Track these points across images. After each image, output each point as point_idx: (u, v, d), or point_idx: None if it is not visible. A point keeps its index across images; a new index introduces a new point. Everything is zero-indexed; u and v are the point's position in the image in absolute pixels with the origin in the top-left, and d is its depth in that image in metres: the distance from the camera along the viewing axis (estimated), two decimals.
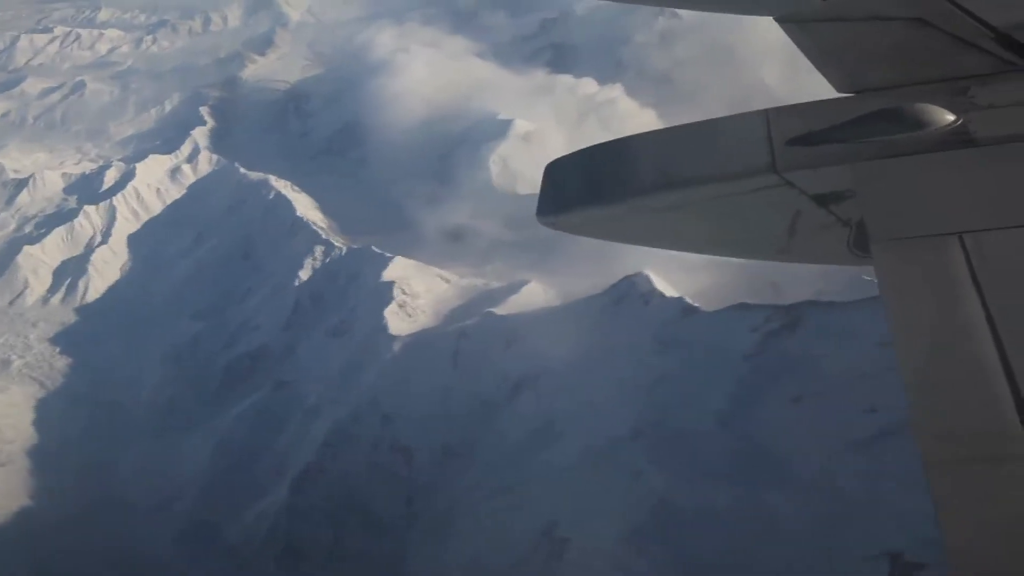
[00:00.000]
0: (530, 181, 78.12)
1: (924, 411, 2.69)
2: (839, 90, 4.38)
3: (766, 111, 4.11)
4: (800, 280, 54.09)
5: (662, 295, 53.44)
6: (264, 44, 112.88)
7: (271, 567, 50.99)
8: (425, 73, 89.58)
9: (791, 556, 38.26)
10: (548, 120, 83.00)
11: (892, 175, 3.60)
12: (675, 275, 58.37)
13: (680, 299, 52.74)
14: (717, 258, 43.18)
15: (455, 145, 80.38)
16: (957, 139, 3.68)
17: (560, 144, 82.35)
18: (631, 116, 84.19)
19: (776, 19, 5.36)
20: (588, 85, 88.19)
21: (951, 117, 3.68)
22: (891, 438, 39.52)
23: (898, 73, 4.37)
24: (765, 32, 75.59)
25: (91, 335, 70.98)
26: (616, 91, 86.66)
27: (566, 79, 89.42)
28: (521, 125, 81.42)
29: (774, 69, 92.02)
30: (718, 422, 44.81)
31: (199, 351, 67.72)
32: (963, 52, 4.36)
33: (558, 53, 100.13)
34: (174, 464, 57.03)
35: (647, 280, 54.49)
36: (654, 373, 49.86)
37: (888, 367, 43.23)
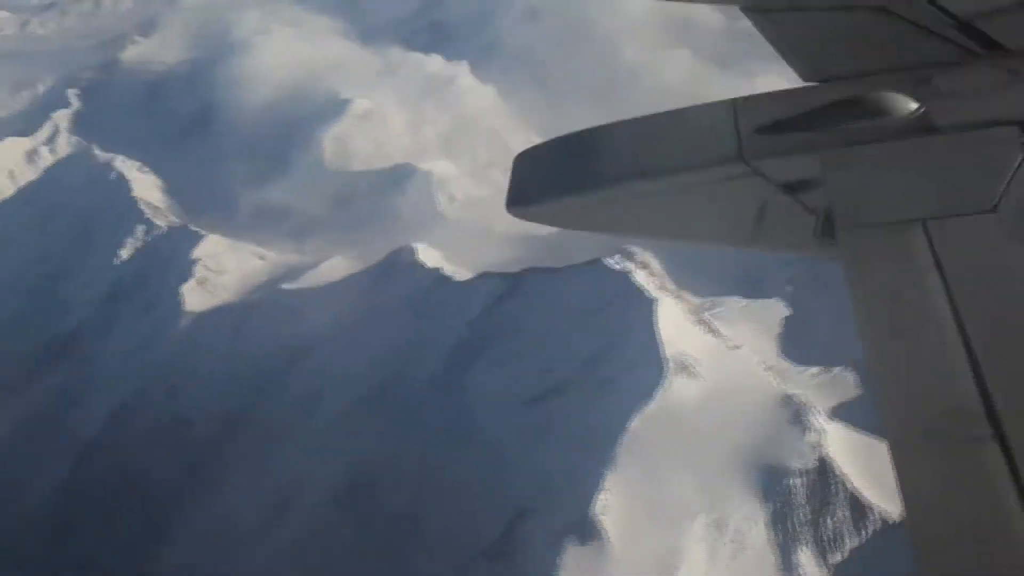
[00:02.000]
0: (363, 158, 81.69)
1: (889, 393, 2.74)
2: (805, 79, 4.43)
3: (734, 100, 4.16)
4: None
5: (423, 266, 56.53)
6: (150, 26, 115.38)
7: (41, 546, 53.49)
8: (279, 54, 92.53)
9: (449, 512, 41.97)
10: (389, 99, 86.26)
11: (857, 163, 3.65)
12: (451, 246, 62.17)
13: (437, 270, 55.85)
14: (496, 229, 46.75)
15: (294, 125, 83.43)
16: (921, 126, 3.72)
17: (397, 123, 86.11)
18: (470, 92, 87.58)
19: (741, 8, 5.35)
20: (435, 63, 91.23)
21: (914, 105, 3.74)
22: (557, 397, 43.41)
23: (862, 62, 4.39)
24: (628, 12, 79.28)
25: None
26: (461, 68, 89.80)
27: (416, 57, 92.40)
28: (360, 104, 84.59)
29: (630, 48, 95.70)
30: (430, 385, 48.17)
31: (23, 326, 70.72)
32: (926, 41, 4.39)
33: (434, 33, 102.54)
34: None
35: (411, 252, 57.68)
36: (400, 338, 53.17)
37: (575, 329, 47.13)
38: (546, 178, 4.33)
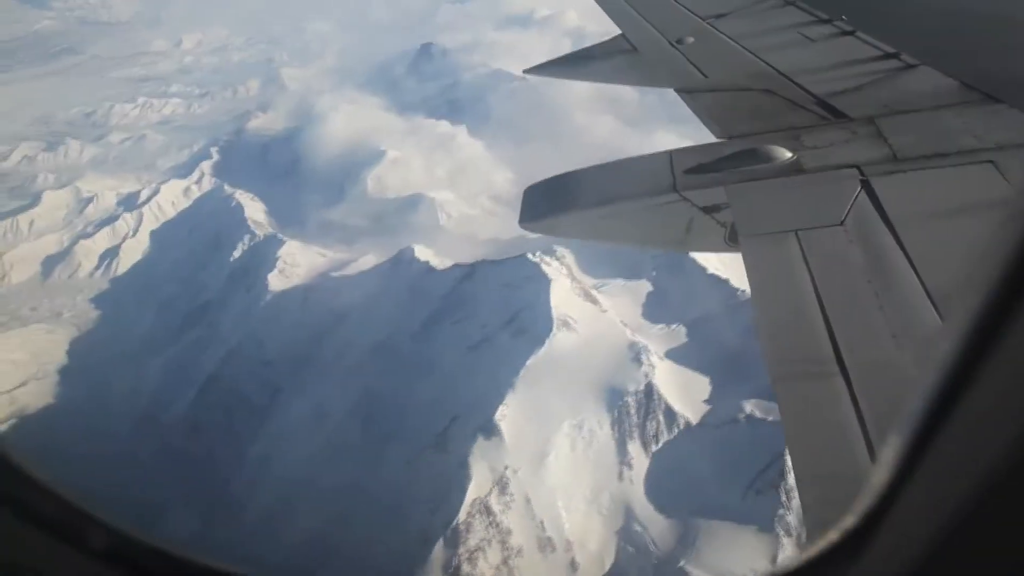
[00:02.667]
0: (393, 190, 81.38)
1: (770, 344, 2.66)
2: (717, 137, 4.25)
3: (670, 151, 4.05)
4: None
5: (417, 260, 56.27)
6: (267, 105, 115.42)
7: (179, 440, 54.03)
8: (342, 122, 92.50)
9: (416, 419, 41.71)
10: (412, 150, 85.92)
11: (752, 193, 3.56)
12: (442, 247, 61.80)
13: (427, 263, 55.54)
14: (476, 236, 46.13)
15: (350, 168, 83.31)
16: (793, 168, 3.66)
17: (416, 166, 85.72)
18: (466, 146, 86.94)
19: (675, 90, 5.10)
20: (443, 126, 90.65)
21: (789, 154, 3.70)
22: (487, 344, 42.95)
23: (755, 125, 4.27)
24: (580, 93, 77.68)
25: (116, 296, 74.81)
26: (460, 131, 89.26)
27: (431, 122, 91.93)
28: (392, 154, 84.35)
29: (575, 114, 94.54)
30: (413, 337, 47.85)
31: (175, 303, 71.34)
32: (796, 111, 4.31)
33: (448, 106, 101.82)
34: (131, 381, 60.84)
35: (411, 251, 57.42)
36: (399, 307, 52.93)
37: (502, 299, 46.67)
38: (545, 203, 4.25)
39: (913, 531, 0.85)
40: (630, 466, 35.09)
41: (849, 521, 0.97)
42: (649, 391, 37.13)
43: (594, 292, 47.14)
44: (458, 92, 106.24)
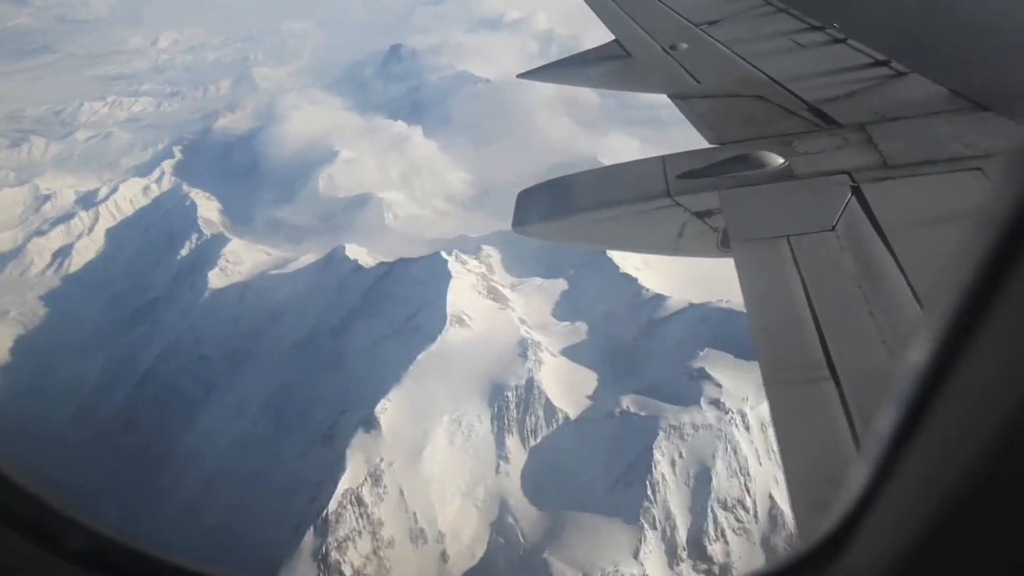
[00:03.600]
0: (343, 189, 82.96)
1: (762, 349, 2.67)
2: (710, 142, 4.26)
3: (663, 157, 4.04)
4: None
5: (347, 258, 57.75)
6: (236, 105, 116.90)
7: (116, 432, 55.57)
8: (302, 122, 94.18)
9: (314, 410, 43.11)
10: (366, 151, 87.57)
11: (744, 198, 3.56)
12: (379, 246, 63.30)
13: (355, 260, 57.05)
14: (421, 235, 47.80)
15: (304, 168, 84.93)
16: (785, 174, 3.66)
17: (369, 167, 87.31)
18: (419, 148, 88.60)
19: (668, 96, 5.09)
20: (399, 127, 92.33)
21: (781, 160, 3.71)
22: (389, 340, 44.40)
23: (747, 131, 4.27)
24: (541, 96, 79.37)
25: (66, 293, 76.33)
26: (415, 132, 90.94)
27: (389, 123, 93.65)
28: (345, 154, 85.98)
29: (533, 116, 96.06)
30: (331, 332, 49.30)
31: (124, 300, 72.81)
32: (788, 118, 4.32)
33: (412, 108, 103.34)
34: (72, 376, 62.37)
35: (342, 250, 58.91)
36: (325, 303, 54.41)
37: (410, 295, 48.16)
38: (538, 208, 4.21)
39: (891, 533, 0.87)
40: (507, 460, 36.51)
41: (829, 523, 0.99)
42: (530, 387, 38.54)
43: (504, 290, 48.62)
44: (422, 93, 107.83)
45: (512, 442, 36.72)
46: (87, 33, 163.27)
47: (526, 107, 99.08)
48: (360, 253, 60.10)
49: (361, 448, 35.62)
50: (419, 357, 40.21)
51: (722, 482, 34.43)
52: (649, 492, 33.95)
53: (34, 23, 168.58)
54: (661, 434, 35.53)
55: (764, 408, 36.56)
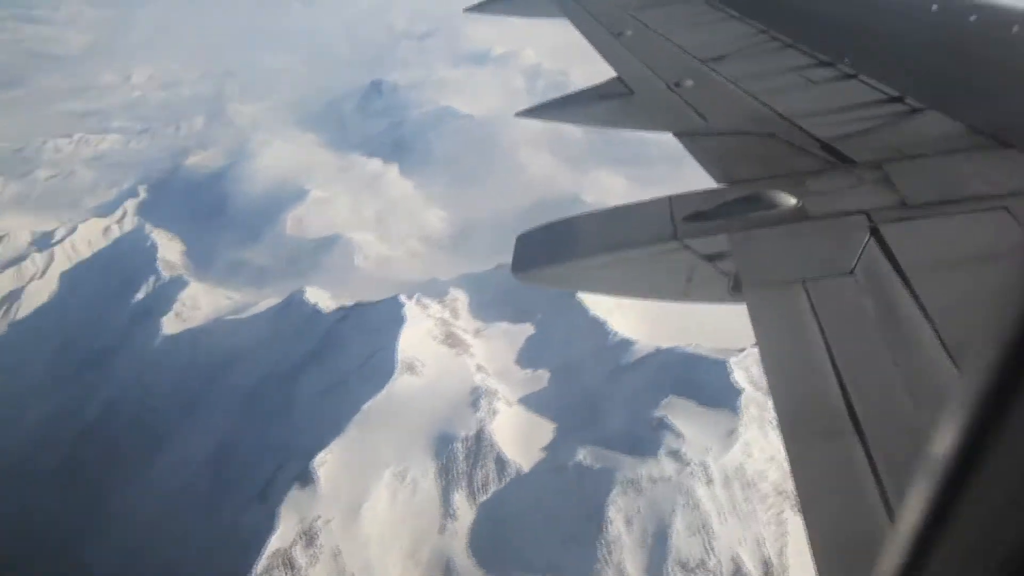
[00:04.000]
0: (312, 231, 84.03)
1: (781, 400, 2.68)
2: (718, 182, 4.33)
3: (670, 197, 4.08)
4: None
5: (306, 302, 58.25)
6: (208, 142, 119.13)
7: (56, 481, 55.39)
8: (273, 160, 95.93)
9: (252, 464, 43.06)
10: (339, 190, 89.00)
11: (756, 240, 3.60)
12: (343, 288, 63.85)
13: (314, 305, 57.55)
14: (390, 277, 48.54)
15: (271, 208, 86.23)
16: (798, 215, 3.69)
17: (341, 206, 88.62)
18: (394, 185, 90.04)
19: (674, 134, 5.18)
20: (375, 165, 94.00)
21: (793, 200, 3.74)
22: (337, 387, 44.56)
23: (758, 170, 4.32)
24: (524, 132, 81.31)
25: (11, 341, 76.68)
26: (392, 170, 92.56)
27: (363, 161, 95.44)
28: (316, 193, 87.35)
29: (520, 155, 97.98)
30: (281, 378, 49.45)
31: (73, 347, 73.06)
32: (800, 155, 4.38)
33: (390, 145, 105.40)
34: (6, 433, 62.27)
35: (302, 293, 59.48)
36: (281, 349, 54.71)
37: (366, 341, 48.44)
38: (538, 252, 4.26)
39: None
40: (454, 517, 36.24)
41: None
42: (481, 438, 38.51)
43: (466, 335, 48.93)
44: (402, 130, 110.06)
45: (459, 498, 36.52)
46: (59, 68, 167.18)
47: (509, 144, 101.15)
48: (321, 297, 60.69)
49: (295, 505, 35.45)
50: (364, 407, 40.28)
51: (682, 541, 34.07)
52: (603, 552, 33.60)
53: (3, 58, 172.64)
54: (616, 488, 35.33)
55: (728, 459, 36.54)
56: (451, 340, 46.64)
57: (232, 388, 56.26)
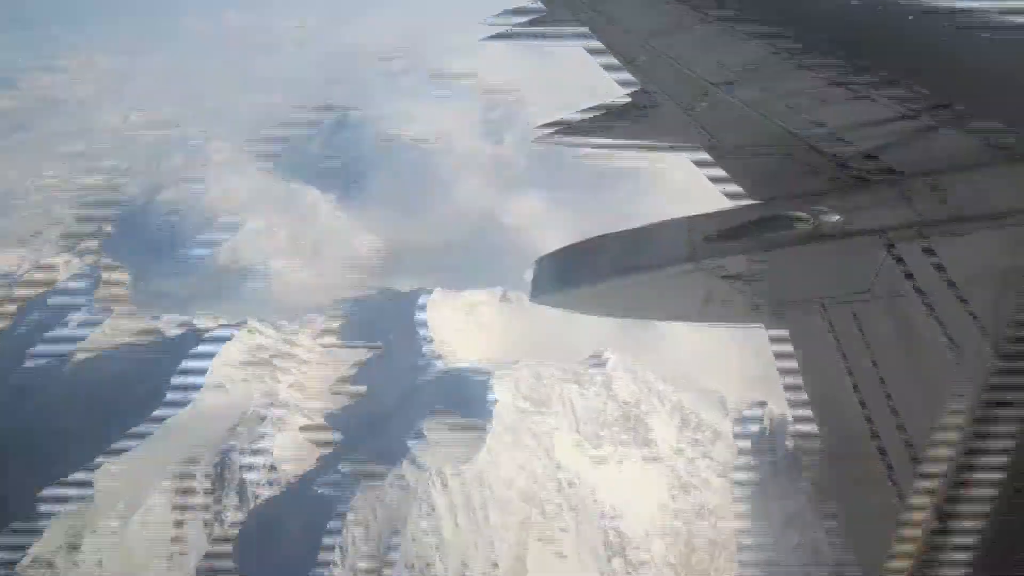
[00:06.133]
0: (243, 259, 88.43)
1: (809, 427, 2.68)
2: (736, 202, 4.24)
3: (688, 217, 4.00)
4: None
5: (188, 332, 61.66)
6: (183, 179, 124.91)
7: None
8: (224, 192, 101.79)
9: None
10: (276, 219, 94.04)
11: (777, 261, 3.55)
12: (237, 315, 67.26)
13: (184, 332, 60.83)
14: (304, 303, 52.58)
15: (204, 238, 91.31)
16: (820, 235, 3.58)
17: (275, 235, 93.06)
18: (329, 215, 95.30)
19: (687, 155, 5.09)
20: (314, 194, 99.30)
21: (812, 219, 3.61)
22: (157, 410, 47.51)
23: (776, 190, 4.22)
24: (452, 154, 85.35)
25: None
26: (329, 198, 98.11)
27: (304, 189, 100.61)
28: (252, 224, 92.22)
29: (465, 184, 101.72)
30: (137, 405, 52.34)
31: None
32: (818, 175, 4.24)
33: (337, 174, 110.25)
34: None
35: (189, 319, 62.98)
36: (156, 375, 57.66)
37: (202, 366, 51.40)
38: (556, 275, 4.29)
39: None
40: (222, 523, 38.93)
41: None
42: (259, 452, 41.17)
43: (307, 355, 51.90)
44: (352, 159, 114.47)
45: (194, 530, 38.97)
46: (65, 113, 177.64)
47: (449, 172, 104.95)
48: (205, 321, 63.76)
49: (66, 513, 38.31)
50: (154, 424, 43.30)
51: (412, 545, 36.00)
52: (337, 557, 35.75)
53: (15, 104, 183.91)
54: (359, 496, 37.53)
55: (469, 467, 38.44)
56: (277, 361, 49.55)
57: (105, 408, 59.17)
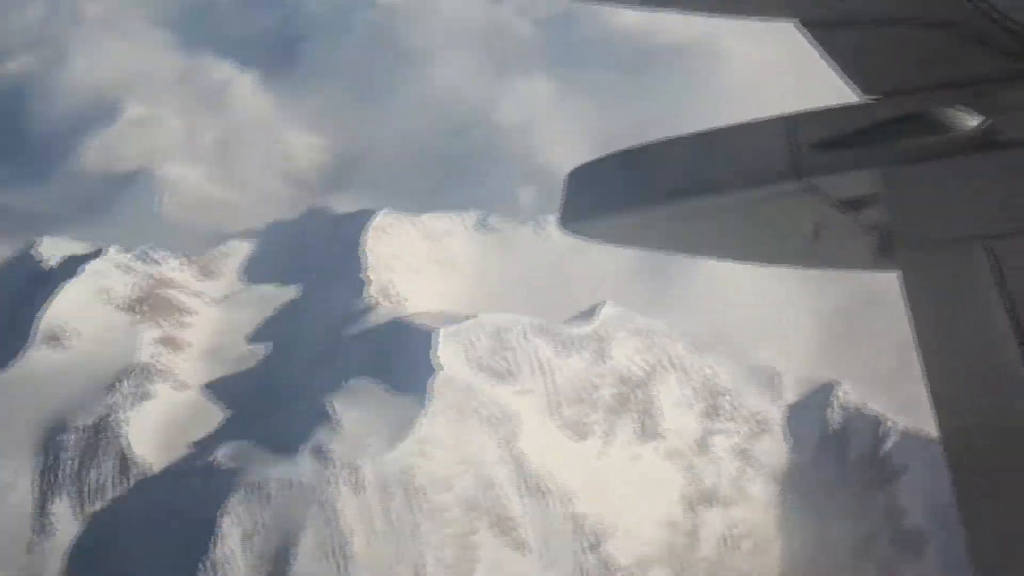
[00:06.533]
0: (122, 162, 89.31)
1: (947, 412, 2.75)
2: (862, 94, 4.12)
3: (789, 116, 3.94)
4: None
5: (36, 257, 62.84)
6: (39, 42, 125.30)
7: None
8: (93, 65, 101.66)
9: None
10: (168, 106, 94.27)
11: (918, 180, 3.45)
12: (105, 237, 68.47)
13: (43, 261, 62.05)
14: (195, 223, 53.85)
15: (73, 132, 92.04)
16: (984, 142, 3.51)
17: (165, 128, 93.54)
18: (247, 102, 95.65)
19: (797, 24, 4.88)
20: (227, 71, 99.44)
21: (977, 120, 3.54)
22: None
23: (923, 76, 4.05)
24: (447, 25, 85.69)
25: None
26: (249, 78, 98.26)
27: (218, 65, 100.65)
28: (134, 111, 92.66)
29: (441, 59, 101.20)
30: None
31: None
32: (989, 55, 4.05)
33: (269, 45, 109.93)
34: None
35: (33, 243, 64.11)
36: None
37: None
38: (598, 196, 4.26)
39: None
40: (51, 530, 40.39)
41: None
42: (105, 431, 42.40)
43: (194, 300, 53.11)
44: (284, 21, 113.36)
45: (61, 506, 40.46)
46: None
47: (424, 40, 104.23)
48: (59, 249, 64.78)
49: None
50: None
51: (308, 565, 37.24)
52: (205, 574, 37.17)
53: None
54: (238, 495, 38.70)
55: (391, 460, 39.49)
56: (145, 308, 50.55)
57: None
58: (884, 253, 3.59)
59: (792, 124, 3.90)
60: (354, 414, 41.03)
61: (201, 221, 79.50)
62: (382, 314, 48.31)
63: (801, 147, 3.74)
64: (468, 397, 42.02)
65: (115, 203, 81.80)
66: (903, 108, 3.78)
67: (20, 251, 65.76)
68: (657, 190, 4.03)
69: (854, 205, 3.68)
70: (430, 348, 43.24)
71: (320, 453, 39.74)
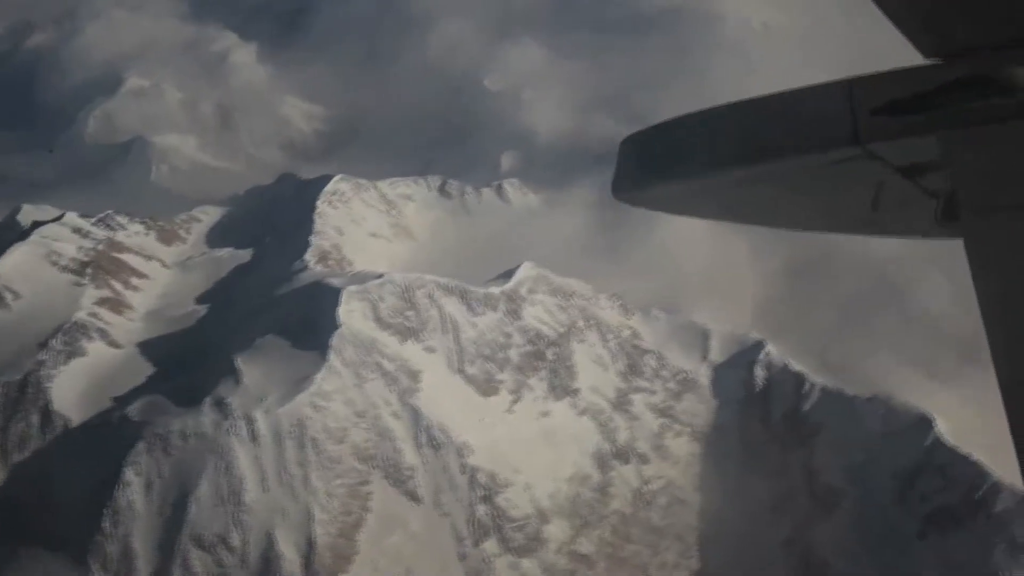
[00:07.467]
0: (121, 131, 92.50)
1: (1012, 380, 2.73)
2: (926, 55, 3.75)
3: (849, 80, 3.68)
4: None
5: (18, 223, 66.09)
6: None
7: None
8: (107, 37, 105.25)
9: None
10: (171, 77, 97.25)
11: (985, 143, 3.35)
12: (95, 205, 71.50)
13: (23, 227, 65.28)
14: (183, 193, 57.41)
15: (77, 101, 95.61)
16: None
17: (165, 100, 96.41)
18: (252, 70, 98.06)
19: None
20: (230, 40, 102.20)
21: None
22: None
23: (988, 36, 3.64)
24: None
25: None
26: (252, 48, 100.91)
27: (223, 35, 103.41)
28: (134, 82, 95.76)
29: (446, 26, 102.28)
30: None
31: None
32: None
33: (274, 10, 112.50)
34: None
35: (17, 211, 67.31)
36: None
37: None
38: (652, 163, 4.15)
39: None
40: None
41: None
42: (29, 385, 45.03)
43: (145, 264, 55.61)
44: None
45: None
46: None
47: (430, 9, 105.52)
48: (34, 216, 67.78)
49: None
50: None
51: (203, 512, 39.40)
52: (107, 523, 39.54)
53: None
54: (141, 445, 40.97)
55: (286, 411, 41.48)
56: (91, 271, 53.21)
57: None
58: (947, 219, 3.57)
59: (851, 88, 3.70)
60: (257, 370, 43.08)
61: (190, 188, 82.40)
62: (307, 276, 50.33)
63: (861, 112, 3.60)
64: (369, 353, 43.73)
65: (110, 171, 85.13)
66: (967, 70, 3.61)
67: (6, 216, 69.11)
68: (711, 157, 3.94)
69: (916, 171, 3.62)
70: (337, 306, 45.11)
71: (221, 406, 41.87)
